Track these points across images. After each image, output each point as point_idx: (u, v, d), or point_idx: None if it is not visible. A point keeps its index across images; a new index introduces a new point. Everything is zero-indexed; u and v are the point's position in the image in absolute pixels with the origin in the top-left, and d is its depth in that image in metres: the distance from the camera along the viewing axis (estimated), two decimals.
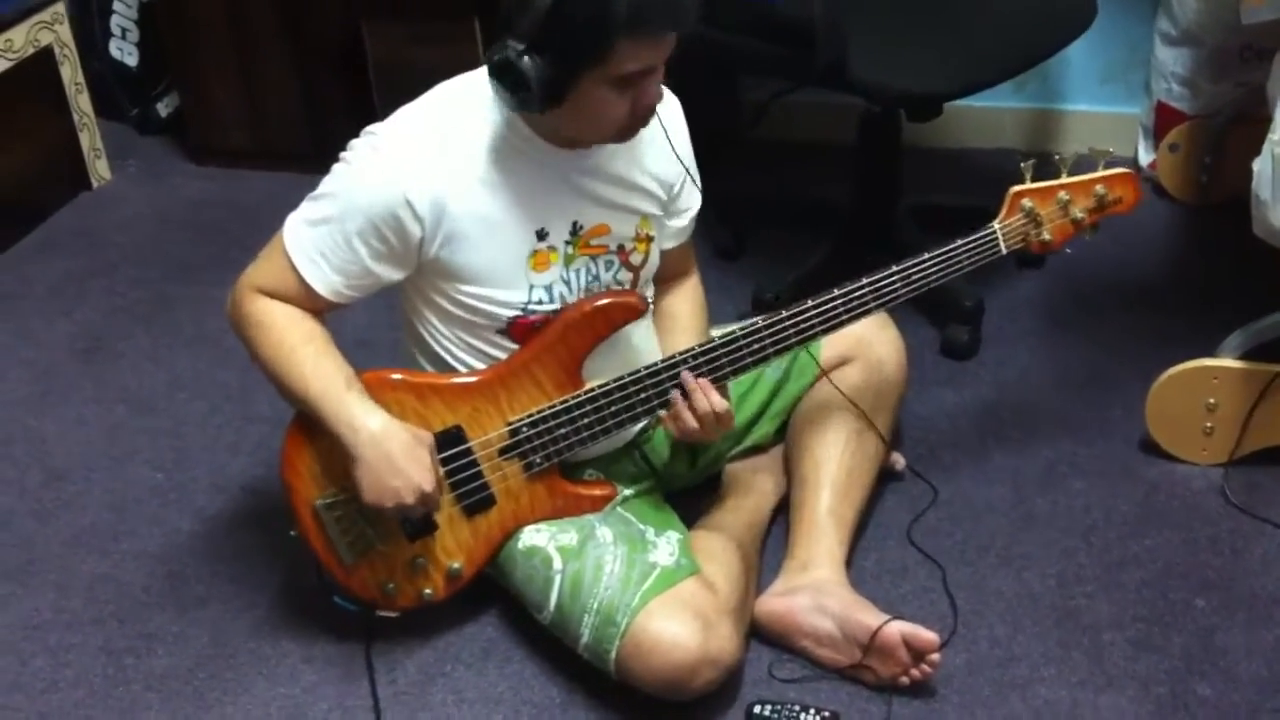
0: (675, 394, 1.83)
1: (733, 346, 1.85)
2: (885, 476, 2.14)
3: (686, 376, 1.82)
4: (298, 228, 1.80)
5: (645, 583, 1.77)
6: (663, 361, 1.85)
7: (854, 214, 2.69)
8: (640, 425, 1.96)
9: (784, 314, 1.87)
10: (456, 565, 1.88)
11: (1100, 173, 1.93)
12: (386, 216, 1.74)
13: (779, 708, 1.80)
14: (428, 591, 1.89)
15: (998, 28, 2.41)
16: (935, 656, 1.79)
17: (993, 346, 2.50)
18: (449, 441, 1.83)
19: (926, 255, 1.89)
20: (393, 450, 1.74)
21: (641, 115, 1.71)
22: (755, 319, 1.87)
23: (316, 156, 2.00)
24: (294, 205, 1.83)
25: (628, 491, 1.98)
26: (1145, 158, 2.95)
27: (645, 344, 1.96)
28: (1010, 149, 3.05)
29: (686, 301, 2.06)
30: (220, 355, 2.58)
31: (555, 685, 1.89)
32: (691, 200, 1.98)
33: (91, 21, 3.40)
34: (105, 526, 2.23)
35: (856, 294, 1.87)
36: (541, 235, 1.81)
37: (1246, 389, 2.11)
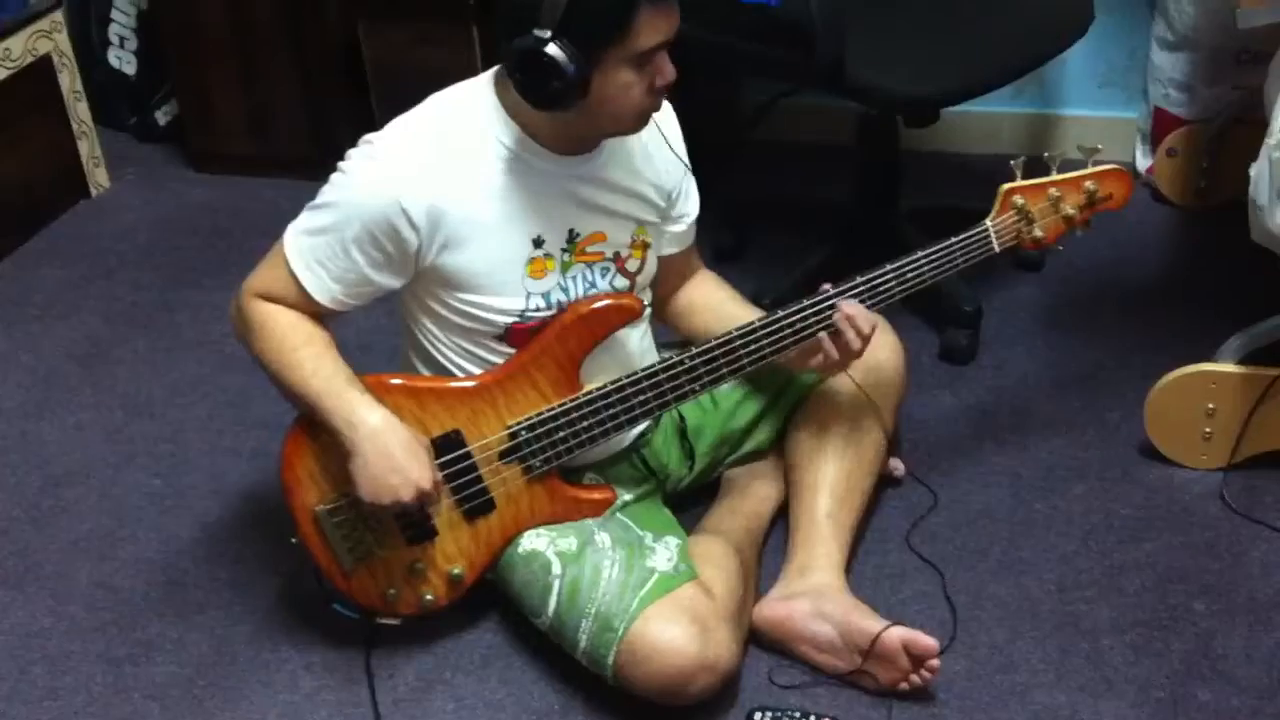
0: (831, 332, 1.85)
1: (731, 348, 1.86)
2: (885, 482, 2.14)
3: (842, 305, 1.84)
4: (297, 237, 1.81)
5: (643, 588, 1.77)
6: (661, 364, 1.85)
7: (853, 217, 2.69)
8: (640, 428, 1.96)
9: (780, 313, 1.87)
10: (457, 570, 1.88)
11: (1090, 169, 1.93)
12: (383, 224, 1.74)
13: (779, 714, 1.80)
14: (429, 597, 1.88)
15: (995, 33, 2.41)
16: (935, 662, 1.79)
17: (992, 351, 2.50)
18: (448, 445, 1.83)
19: (920, 253, 1.89)
20: (391, 446, 1.74)
21: (658, 94, 1.73)
22: (753, 319, 1.87)
23: (317, 163, 2.01)
24: (293, 211, 1.84)
25: (627, 496, 1.98)
26: (1143, 162, 2.96)
27: (642, 347, 1.96)
28: (1008, 154, 3.05)
29: (711, 283, 2.08)
30: (219, 361, 2.58)
31: (554, 691, 1.89)
32: (689, 206, 1.98)
33: (90, 30, 3.41)
34: (104, 533, 2.23)
35: (851, 293, 1.88)
36: (538, 243, 1.81)
37: (1245, 393, 2.11)
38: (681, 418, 2.06)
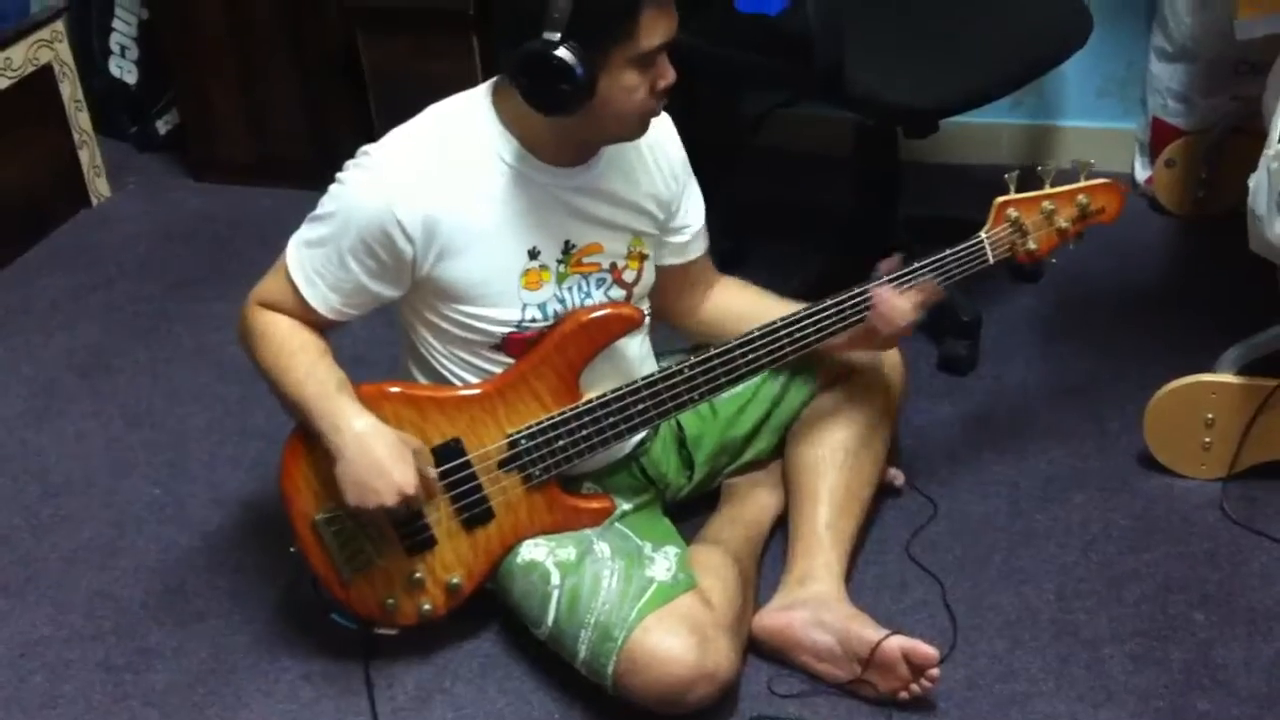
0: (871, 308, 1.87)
1: (728, 357, 1.86)
2: (884, 491, 2.14)
3: (878, 291, 1.87)
4: (297, 248, 1.82)
5: (642, 598, 1.77)
6: (660, 373, 1.86)
7: (853, 226, 2.69)
8: (639, 437, 1.97)
9: (777, 322, 1.88)
10: (456, 579, 1.88)
11: (1083, 183, 1.94)
12: (378, 235, 1.75)
13: None
14: (427, 606, 1.88)
15: (994, 44, 2.42)
16: (935, 671, 1.79)
17: (991, 361, 2.50)
18: (448, 454, 1.83)
19: (916, 265, 1.91)
20: (376, 451, 1.74)
21: (660, 97, 1.73)
22: (751, 329, 1.88)
23: (317, 172, 2.01)
24: (295, 220, 1.85)
25: (626, 506, 1.98)
26: (1142, 173, 2.96)
27: (642, 356, 1.96)
28: (1007, 164, 3.05)
29: (736, 286, 2.08)
30: (219, 370, 2.59)
31: (553, 700, 1.89)
32: (690, 217, 1.98)
33: (91, 40, 3.41)
34: (103, 542, 2.23)
35: (849, 302, 1.89)
36: (533, 254, 1.82)
37: (1244, 403, 2.11)
38: (680, 427, 2.06)
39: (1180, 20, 2.73)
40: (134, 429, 2.49)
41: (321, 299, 1.80)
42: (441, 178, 1.76)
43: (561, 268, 1.85)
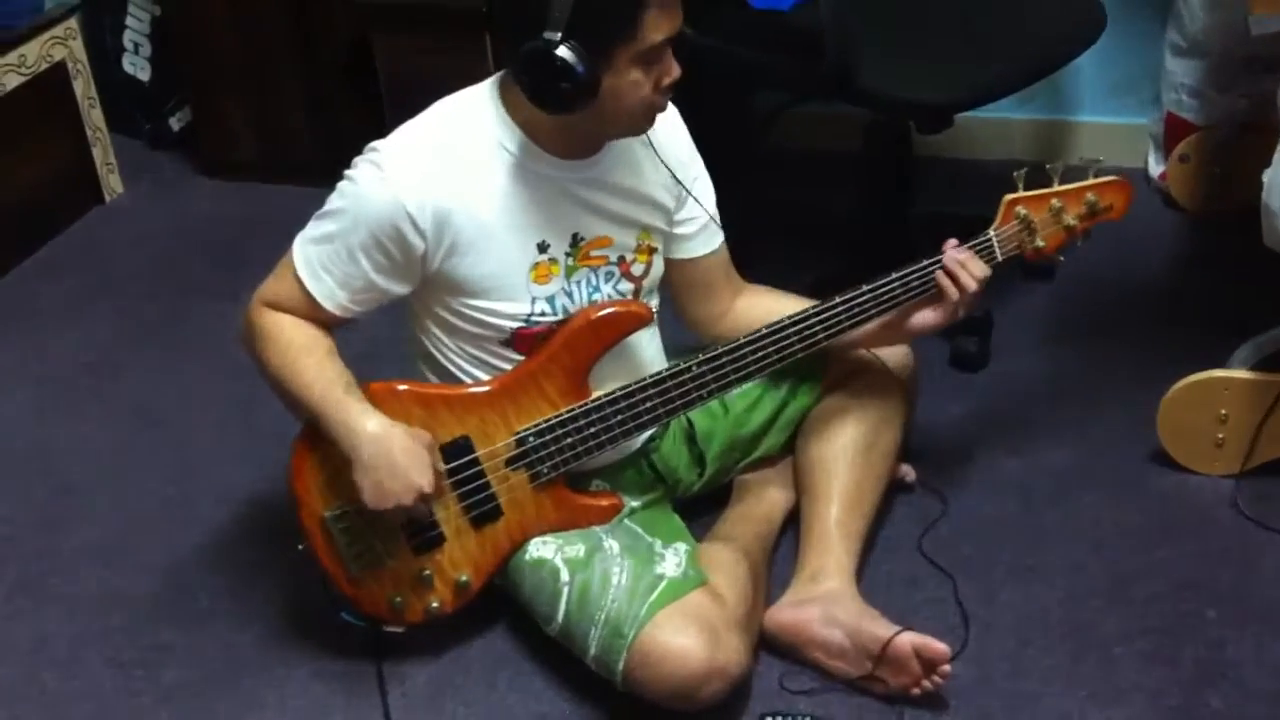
0: (944, 277, 1.88)
1: (738, 354, 1.86)
2: (895, 488, 2.14)
3: (951, 253, 1.87)
4: (304, 245, 1.82)
5: (652, 594, 1.77)
6: (669, 371, 1.85)
7: (864, 223, 2.69)
8: (647, 434, 1.96)
9: (786, 319, 1.87)
10: (464, 577, 1.88)
11: (1091, 180, 1.94)
12: (389, 230, 1.74)
13: (790, 719, 1.80)
14: (435, 604, 1.88)
15: (1008, 39, 2.41)
16: (946, 668, 1.78)
17: (1002, 358, 2.49)
18: (456, 452, 1.83)
19: (925, 261, 1.90)
20: (391, 451, 1.74)
21: (665, 92, 1.73)
22: (760, 327, 1.87)
23: (328, 170, 2.00)
24: (305, 218, 1.85)
25: (635, 503, 1.98)
26: (1155, 169, 2.95)
27: (651, 353, 1.96)
28: (1020, 160, 3.04)
29: (764, 293, 2.06)
30: (229, 368, 2.58)
31: (564, 697, 1.89)
32: (699, 209, 1.96)
33: (104, 36, 3.42)
34: (113, 540, 2.23)
35: (857, 300, 1.89)
36: (543, 248, 1.81)
37: (1258, 400, 2.10)
38: (691, 424, 2.05)
39: (1194, 16, 2.71)
40: (144, 427, 2.50)
41: (329, 295, 1.80)
42: (451, 172, 1.76)
43: (570, 261, 1.84)
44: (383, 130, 1.82)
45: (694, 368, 1.85)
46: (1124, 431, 2.28)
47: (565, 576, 1.83)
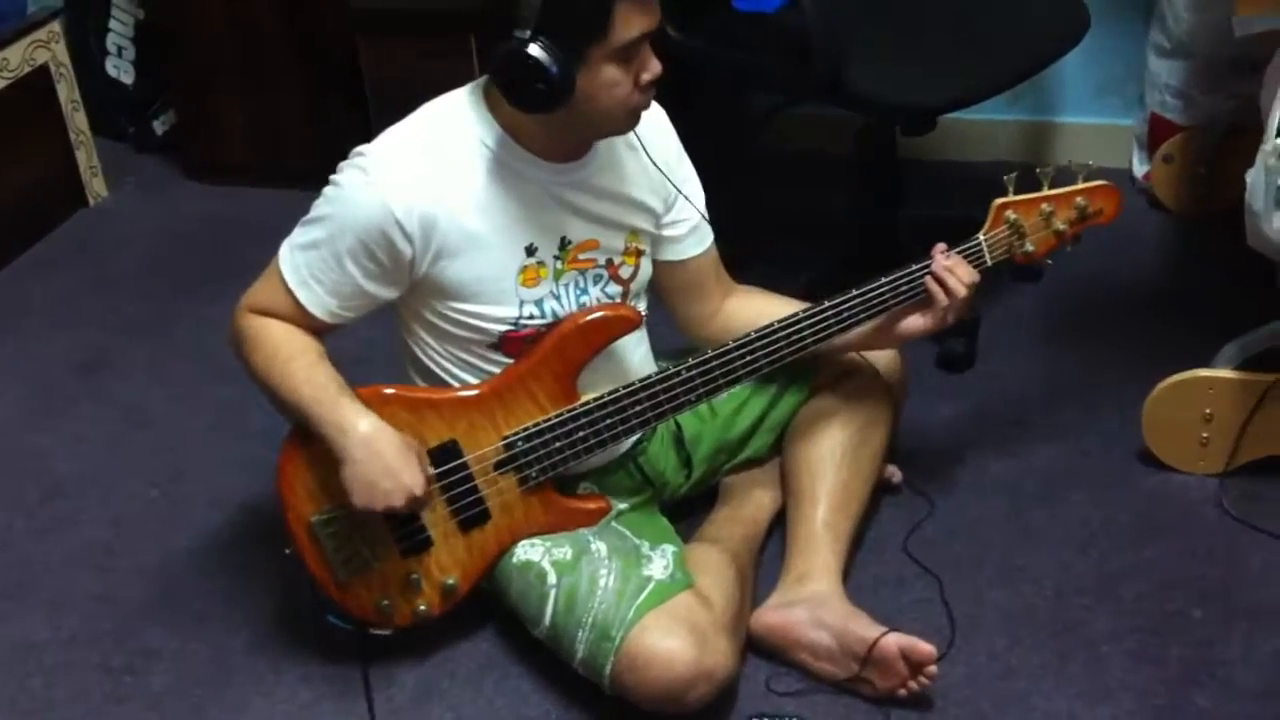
0: (933, 283, 1.88)
1: (726, 358, 1.86)
2: (882, 489, 2.14)
3: (940, 258, 1.87)
4: (291, 252, 1.81)
5: (639, 597, 1.77)
6: (658, 375, 1.85)
7: (852, 225, 2.69)
8: (636, 438, 1.96)
9: (775, 324, 1.88)
10: (452, 581, 1.88)
11: (1081, 185, 1.94)
12: (376, 236, 1.74)
13: None
14: (423, 608, 1.88)
15: (992, 41, 2.41)
16: (932, 669, 1.79)
17: (989, 358, 2.50)
18: (444, 456, 1.83)
19: (915, 266, 1.90)
20: (383, 451, 1.74)
21: (646, 90, 1.72)
22: (749, 330, 1.88)
23: (315, 173, 2.00)
24: (291, 222, 1.84)
25: (623, 505, 1.98)
26: (1140, 169, 2.96)
27: (639, 356, 1.96)
28: (1005, 161, 3.05)
29: (754, 294, 2.06)
30: (218, 371, 2.58)
31: (551, 700, 1.89)
32: (687, 210, 1.96)
33: (88, 40, 3.42)
34: (102, 543, 2.23)
35: (846, 305, 1.89)
36: (530, 251, 1.81)
37: (1242, 399, 2.11)
38: (678, 426, 2.05)
39: (1179, 16, 2.72)
40: (132, 430, 2.49)
41: (318, 303, 1.80)
42: (438, 176, 1.76)
43: (558, 264, 1.84)
44: (370, 134, 1.81)
45: (683, 372, 1.86)
46: (1110, 431, 2.29)
47: (552, 579, 1.83)
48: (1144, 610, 1.97)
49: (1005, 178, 1.92)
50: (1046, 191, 1.93)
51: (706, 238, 2.00)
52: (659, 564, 1.85)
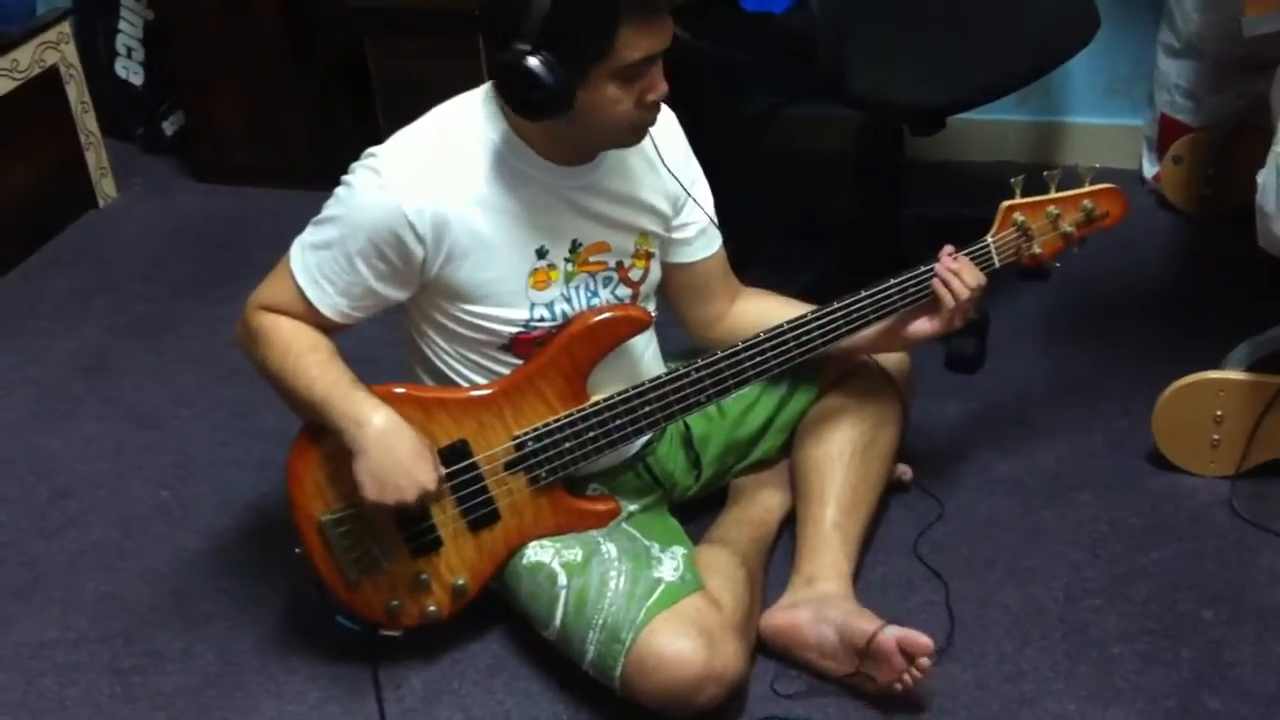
0: (939, 285, 1.87)
1: (736, 359, 1.86)
2: (892, 488, 2.14)
3: (946, 261, 1.87)
4: (303, 251, 1.81)
5: (649, 599, 1.77)
6: (667, 375, 1.85)
7: (857, 226, 2.69)
8: (645, 439, 1.96)
9: (784, 325, 1.88)
10: (461, 581, 1.88)
11: (1087, 188, 1.94)
12: (388, 237, 1.74)
13: None
14: (432, 608, 1.88)
15: (1000, 41, 2.41)
16: (925, 660, 1.77)
17: (998, 359, 2.50)
18: (454, 455, 1.83)
19: (923, 268, 1.90)
20: (397, 446, 1.74)
21: (649, 109, 1.71)
22: (758, 332, 1.88)
23: (322, 174, 2.01)
24: (299, 222, 1.84)
25: (633, 506, 1.98)
26: (1149, 170, 2.95)
27: (648, 357, 1.96)
28: (1013, 162, 3.06)
29: (762, 296, 2.05)
30: (225, 371, 2.58)
31: (561, 702, 1.88)
32: (696, 213, 1.96)
33: (97, 41, 3.42)
34: (111, 544, 2.23)
35: (855, 306, 1.90)
36: (541, 253, 1.82)
37: (1253, 401, 2.11)
38: (687, 427, 2.05)
39: (1188, 17, 2.72)
40: (140, 431, 2.49)
41: (328, 303, 1.80)
42: (449, 178, 1.76)
43: (569, 267, 1.84)
44: (377, 135, 1.82)
45: (693, 373, 1.86)
46: (1120, 432, 2.29)
47: (562, 581, 1.83)
48: (1154, 612, 1.96)
49: (1012, 180, 1.93)
50: (1053, 194, 1.93)
51: (715, 240, 2.00)
52: (669, 566, 1.84)
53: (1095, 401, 2.37)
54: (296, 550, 1.86)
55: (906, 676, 1.79)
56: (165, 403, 2.57)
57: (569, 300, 1.85)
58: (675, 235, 1.96)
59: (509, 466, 1.85)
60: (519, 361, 1.85)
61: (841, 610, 1.86)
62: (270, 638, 2.02)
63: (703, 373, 1.85)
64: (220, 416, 2.50)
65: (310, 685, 1.94)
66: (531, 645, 1.94)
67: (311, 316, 1.81)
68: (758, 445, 2.11)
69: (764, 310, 1.99)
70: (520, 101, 1.67)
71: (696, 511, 2.12)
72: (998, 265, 1.94)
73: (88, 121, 3.20)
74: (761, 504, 2.10)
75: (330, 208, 1.80)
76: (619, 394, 1.85)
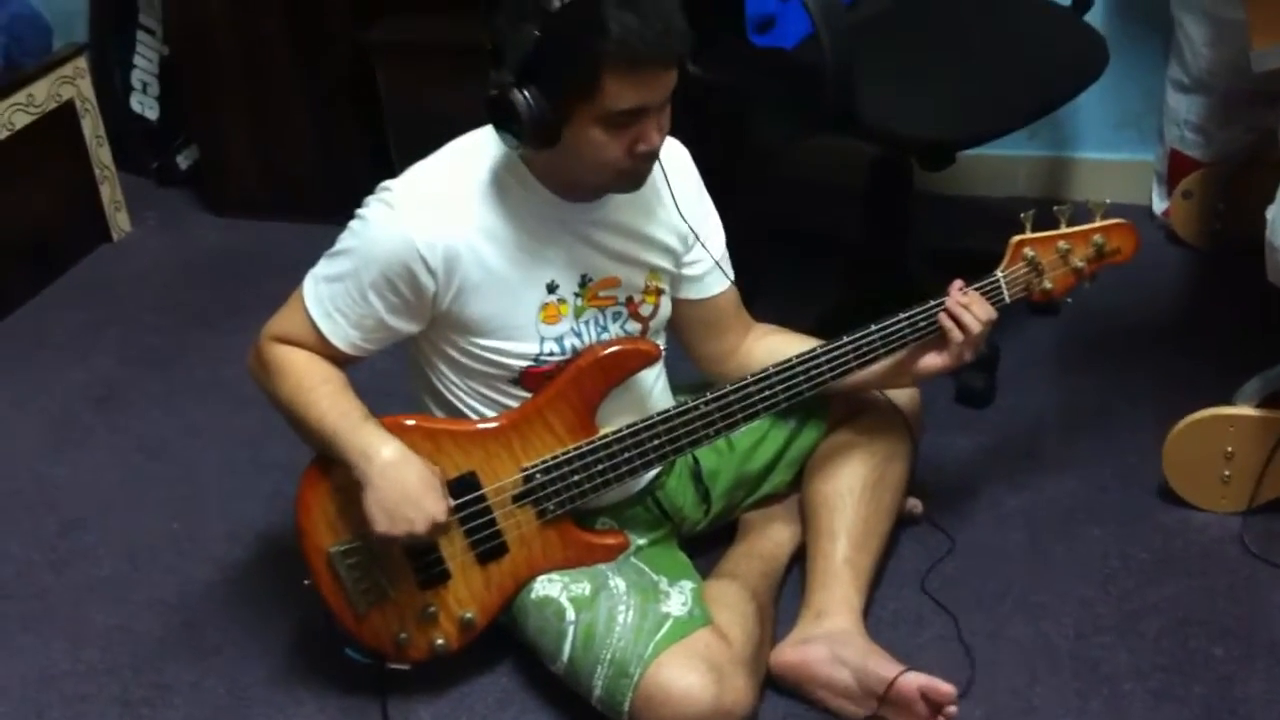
0: (948, 319, 1.87)
1: (745, 393, 1.86)
2: (903, 522, 2.13)
3: (956, 295, 1.87)
4: (316, 284, 1.82)
5: (658, 633, 1.77)
6: (676, 409, 1.85)
7: (867, 259, 2.69)
8: (654, 472, 1.96)
9: (794, 359, 1.88)
10: (469, 614, 1.87)
11: (1099, 223, 1.94)
12: (400, 270, 1.75)
13: None
14: (440, 641, 1.88)
15: (1010, 76, 2.42)
16: (953, 709, 1.77)
17: (1008, 393, 2.49)
18: (463, 487, 1.83)
19: (932, 302, 1.90)
20: (407, 478, 1.74)
21: (641, 159, 1.71)
22: (767, 367, 1.88)
23: (334, 206, 2.02)
24: (312, 254, 1.85)
25: (641, 540, 1.97)
26: (1159, 205, 2.95)
27: (657, 390, 1.96)
28: (1023, 196, 3.06)
29: (773, 332, 2.05)
30: (235, 403, 2.59)
31: None
32: (707, 250, 1.96)
33: (113, 76, 3.44)
34: (120, 575, 2.23)
35: (865, 340, 1.89)
36: (552, 288, 1.82)
37: (1264, 437, 2.10)
38: (696, 461, 2.05)
39: (1197, 52, 2.72)
40: (151, 462, 2.50)
41: (341, 335, 1.81)
42: (462, 212, 1.77)
43: (579, 301, 1.85)
44: (389, 168, 1.83)
45: (701, 406, 1.86)
46: (1130, 468, 2.28)
47: (571, 615, 1.83)
48: (1165, 648, 1.95)
49: (1022, 215, 1.93)
50: (1064, 229, 1.93)
51: (727, 276, 2.00)
52: (677, 600, 1.84)
53: (1106, 436, 2.37)
54: (305, 582, 1.86)
55: None
56: (175, 433, 2.57)
57: (579, 335, 1.85)
58: (686, 272, 1.97)
59: (517, 499, 1.85)
60: (528, 395, 1.86)
61: (857, 650, 1.85)
62: (279, 670, 2.02)
63: (711, 406, 1.86)
64: (230, 447, 2.51)
65: (319, 717, 1.94)
66: (540, 679, 1.93)
67: (323, 348, 1.82)
68: (767, 480, 2.11)
69: (774, 346, 1.99)
70: (504, 133, 1.68)
71: (705, 546, 2.11)
72: (1008, 300, 1.94)
73: (103, 155, 3.22)
74: (771, 538, 2.09)
75: (344, 240, 1.81)
76: (628, 427, 1.85)
